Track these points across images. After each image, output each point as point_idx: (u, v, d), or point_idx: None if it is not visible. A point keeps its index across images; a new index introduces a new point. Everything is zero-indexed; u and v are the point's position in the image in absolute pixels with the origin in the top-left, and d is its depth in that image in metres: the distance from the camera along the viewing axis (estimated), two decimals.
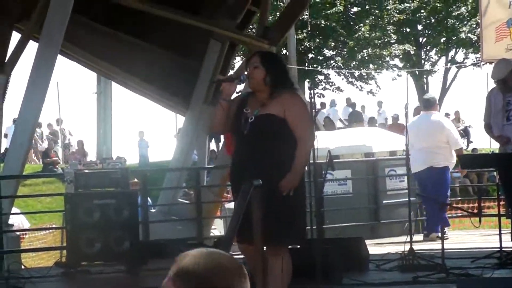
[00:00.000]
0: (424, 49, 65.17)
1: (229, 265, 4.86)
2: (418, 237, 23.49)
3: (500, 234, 18.64)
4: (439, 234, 22.54)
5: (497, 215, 21.87)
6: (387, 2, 62.11)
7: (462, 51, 64.27)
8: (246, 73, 13.64)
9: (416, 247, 19.74)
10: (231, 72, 31.70)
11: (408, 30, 64.61)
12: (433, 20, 64.68)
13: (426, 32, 65.00)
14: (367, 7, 61.16)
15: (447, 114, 51.47)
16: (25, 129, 26.28)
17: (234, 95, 13.98)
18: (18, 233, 26.61)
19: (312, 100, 17.18)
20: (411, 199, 21.55)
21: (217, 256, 4.95)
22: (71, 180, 21.44)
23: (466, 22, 57.57)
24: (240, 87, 18.07)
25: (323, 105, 54.86)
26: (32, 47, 26.55)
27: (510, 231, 20.05)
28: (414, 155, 22.25)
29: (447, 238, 23.25)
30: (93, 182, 21.99)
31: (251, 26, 33.81)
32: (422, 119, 23.33)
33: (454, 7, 61.44)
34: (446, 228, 24.02)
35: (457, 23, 60.69)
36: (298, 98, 14.60)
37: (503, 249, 18.12)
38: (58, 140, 59.06)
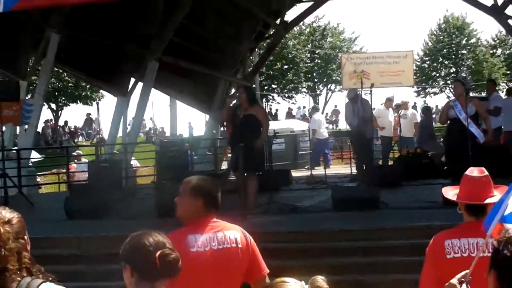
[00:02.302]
0: (317, 84, 65.20)
1: (215, 181, 5.87)
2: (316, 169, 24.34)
3: (350, 167, 21.42)
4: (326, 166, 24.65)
5: (350, 158, 23.89)
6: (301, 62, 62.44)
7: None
8: (237, 95, 15.62)
9: (314, 173, 22.02)
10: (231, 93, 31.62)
11: (309, 76, 63.26)
12: (321, 70, 63.45)
13: (318, 75, 63.74)
14: (291, 65, 60.52)
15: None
16: (137, 122, 29.09)
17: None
18: (134, 168, 27.01)
19: (268, 107, 19.02)
20: (311, 151, 24.87)
21: (208, 177, 6.03)
22: (159, 144, 24.32)
23: (338, 70, 57.07)
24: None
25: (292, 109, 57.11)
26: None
27: (355, 165, 20.96)
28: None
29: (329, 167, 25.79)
30: (168, 145, 24.39)
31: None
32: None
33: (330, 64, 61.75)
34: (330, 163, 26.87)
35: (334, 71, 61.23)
36: (262, 107, 17.60)
37: (352, 173, 20.59)
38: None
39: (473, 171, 5.43)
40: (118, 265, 4.15)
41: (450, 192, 5.47)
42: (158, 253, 3.97)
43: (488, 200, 5.22)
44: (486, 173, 5.43)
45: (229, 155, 21.58)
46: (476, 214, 5.28)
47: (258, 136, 14.70)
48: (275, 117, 42.31)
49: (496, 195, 5.18)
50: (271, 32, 32.38)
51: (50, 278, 3.99)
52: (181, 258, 4.18)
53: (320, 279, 3.85)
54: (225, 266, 5.47)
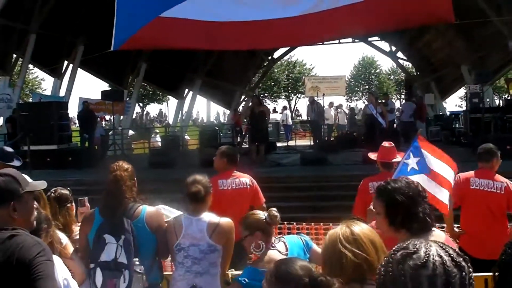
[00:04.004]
0: (290, 93, 60.60)
1: (235, 148, 6.94)
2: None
3: (310, 141, 20.23)
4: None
5: (310, 136, 21.93)
6: (281, 81, 59.50)
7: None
8: (251, 101, 15.53)
9: (290, 144, 21.18)
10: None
11: (286, 88, 59.85)
12: (293, 85, 60.00)
13: (291, 88, 59.93)
14: (275, 82, 58.42)
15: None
16: (188, 114, 28.00)
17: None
18: (187, 140, 25.85)
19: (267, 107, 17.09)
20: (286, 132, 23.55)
21: (231, 146, 6.14)
22: (201, 127, 23.60)
23: (303, 86, 53.09)
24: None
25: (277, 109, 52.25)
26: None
27: (312, 140, 19.68)
28: None
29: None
30: (206, 128, 23.64)
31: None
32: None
33: (298, 82, 58.80)
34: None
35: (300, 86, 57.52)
36: (266, 106, 16.59)
37: (311, 144, 19.46)
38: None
39: (385, 143, 5.40)
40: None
41: (372, 156, 5.44)
42: (188, 188, 4.02)
43: (393, 160, 5.20)
44: (393, 144, 5.41)
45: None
46: (387, 167, 5.25)
47: (265, 122, 14.62)
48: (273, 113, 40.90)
49: (398, 157, 5.12)
50: (265, 64, 32.36)
51: (147, 204, 4.03)
52: (214, 193, 4.27)
53: (275, 210, 3.71)
54: (239, 198, 5.58)
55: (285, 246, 3.50)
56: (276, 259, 3.20)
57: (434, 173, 4.44)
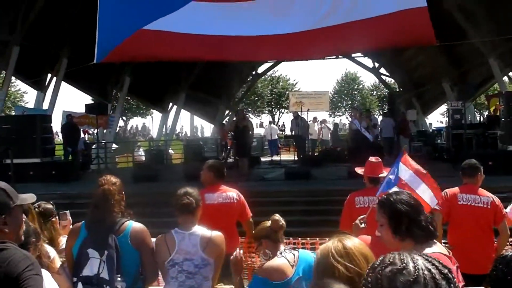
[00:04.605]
0: (274, 108, 60.73)
1: (222, 163, 6.90)
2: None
3: (294, 155, 20.26)
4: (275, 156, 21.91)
5: (294, 150, 21.47)
6: (265, 96, 59.88)
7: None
8: (236, 116, 15.86)
9: (274, 158, 20.87)
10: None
11: (269, 103, 60.22)
12: (276, 100, 60.48)
13: (274, 103, 60.42)
14: (259, 97, 58.68)
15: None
16: (172, 128, 28.22)
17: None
18: (171, 154, 25.71)
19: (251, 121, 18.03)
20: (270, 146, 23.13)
21: (218, 160, 6.43)
22: (185, 141, 23.55)
23: (287, 100, 52.78)
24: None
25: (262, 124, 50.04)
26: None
27: (296, 154, 19.77)
28: None
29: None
30: (190, 142, 23.66)
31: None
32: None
33: (281, 97, 59.40)
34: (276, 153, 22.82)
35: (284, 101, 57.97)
36: (250, 121, 17.03)
37: (295, 159, 19.44)
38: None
39: (372, 159, 5.44)
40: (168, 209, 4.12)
41: (359, 170, 5.48)
42: (179, 200, 4.01)
43: (380, 175, 5.23)
44: (379, 159, 5.46)
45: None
46: (374, 182, 5.28)
47: (249, 137, 14.78)
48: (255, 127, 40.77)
49: (384, 172, 5.17)
50: (249, 79, 32.55)
51: (134, 219, 3.96)
52: (202, 207, 4.21)
53: (277, 216, 3.86)
54: (226, 212, 5.59)
55: (295, 258, 3.54)
56: (279, 267, 3.40)
57: (402, 181, 4.48)
